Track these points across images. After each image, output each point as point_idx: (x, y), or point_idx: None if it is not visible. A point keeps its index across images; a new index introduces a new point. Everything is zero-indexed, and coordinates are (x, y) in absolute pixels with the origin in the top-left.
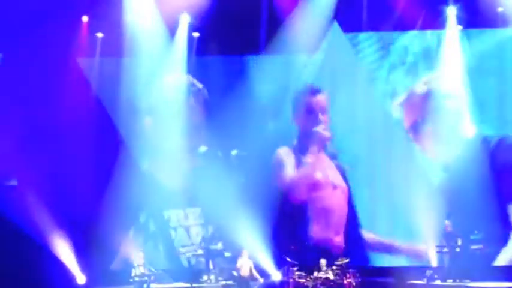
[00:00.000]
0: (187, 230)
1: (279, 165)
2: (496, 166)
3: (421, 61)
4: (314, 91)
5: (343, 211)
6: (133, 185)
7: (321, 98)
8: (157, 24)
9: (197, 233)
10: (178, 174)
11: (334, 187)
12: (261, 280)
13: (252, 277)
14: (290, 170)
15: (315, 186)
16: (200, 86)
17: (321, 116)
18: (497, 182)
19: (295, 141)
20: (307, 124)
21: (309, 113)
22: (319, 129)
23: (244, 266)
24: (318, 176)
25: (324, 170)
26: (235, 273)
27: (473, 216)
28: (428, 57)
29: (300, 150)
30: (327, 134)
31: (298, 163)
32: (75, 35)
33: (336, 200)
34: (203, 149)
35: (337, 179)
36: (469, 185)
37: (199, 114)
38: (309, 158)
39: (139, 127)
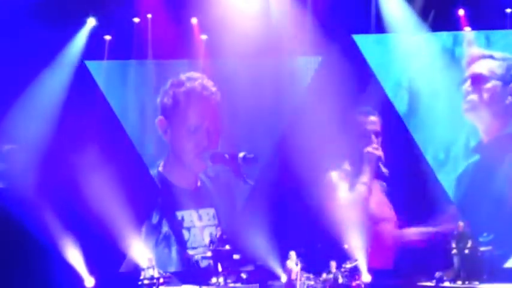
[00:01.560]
0: (201, 230)
1: (331, 188)
2: None
3: None
4: (367, 112)
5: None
6: (143, 186)
7: (373, 119)
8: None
9: (210, 234)
10: (191, 175)
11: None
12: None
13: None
14: (343, 193)
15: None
16: (214, 89)
17: (374, 138)
18: None
19: (346, 165)
20: (359, 145)
21: (362, 135)
22: (370, 148)
23: (294, 269)
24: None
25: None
26: (243, 275)
27: (485, 216)
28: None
29: (354, 174)
30: (378, 153)
31: (352, 187)
32: (83, 37)
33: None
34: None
35: (387, 213)
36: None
37: (212, 117)
38: (364, 178)
39: (151, 126)
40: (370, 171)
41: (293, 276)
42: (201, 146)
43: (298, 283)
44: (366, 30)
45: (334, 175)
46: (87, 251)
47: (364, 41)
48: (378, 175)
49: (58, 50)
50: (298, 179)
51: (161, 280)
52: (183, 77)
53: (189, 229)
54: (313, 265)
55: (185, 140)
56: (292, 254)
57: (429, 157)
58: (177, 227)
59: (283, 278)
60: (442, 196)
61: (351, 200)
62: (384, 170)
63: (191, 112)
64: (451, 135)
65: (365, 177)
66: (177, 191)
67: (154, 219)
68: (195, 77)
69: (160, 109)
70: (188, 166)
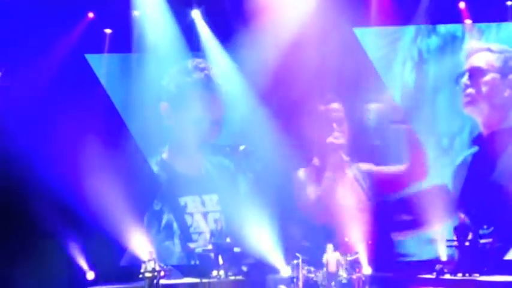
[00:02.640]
0: (204, 216)
1: (299, 188)
2: None
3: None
4: (328, 100)
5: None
6: (144, 177)
7: (335, 107)
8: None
9: (215, 220)
10: (195, 162)
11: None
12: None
13: (337, 273)
14: (311, 191)
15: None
16: (220, 80)
17: (336, 126)
18: None
19: (315, 159)
20: (321, 135)
21: (325, 125)
22: (331, 138)
23: (331, 261)
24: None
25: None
26: (244, 268)
27: (485, 208)
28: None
29: (320, 168)
30: (339, 141)
31: (319, 181)
32: (83, 31)
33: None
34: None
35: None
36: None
37: (219, 108)
38: (328, 172)
39: (154, 114)
40: (334, 162)
41: (331, 269)
42: (204, 136)
43: (339, 274)
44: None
45: (301, 173)
46: (88, 244)
47: (364, 34)
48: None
49: (58, 43)
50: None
51: (162, 273)
52: (189, 65)
53: (192, 214)
54: (314, 258)
55: (189, 129)
56: (330, 246)
57: (430, 148)
58: (179, 213)
59: (284, 272)
60: None
61: (319, 196)
62: (346, 158)
63: (196, 103)
64: (451, 127)
65: (329, 171)
66: (181, 177)
67: (156, 207)
68: (202, 67)
69: (165, 95)
70: (190, 154)
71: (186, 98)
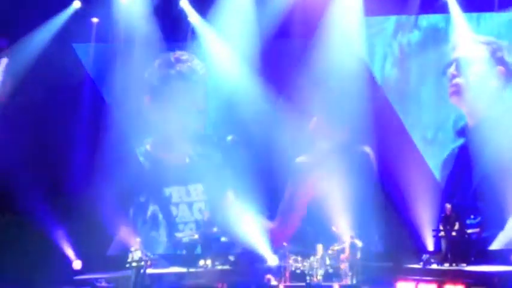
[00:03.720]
0: (189, 206)
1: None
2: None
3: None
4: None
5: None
6: (130, 166)
7: None
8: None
9: (199, 210)
10: (179, 153)
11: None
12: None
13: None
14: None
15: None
16: (202, 71)
17: None
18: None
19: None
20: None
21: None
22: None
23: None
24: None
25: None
26: (231, 258)
27: (472, 199)
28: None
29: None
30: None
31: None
32: (71, 20)
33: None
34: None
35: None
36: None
37: (201, 99)
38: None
39: (138, 106)
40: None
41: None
42: (189, 128)
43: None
44: None
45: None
46: (74, 234)
47: None
48: None
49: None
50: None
51: (149, 262)
52: (171, 57)
53: (177, 205)
54: (301, 248)
55: (173, 121)
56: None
57: (417, 139)
58: (165, 204)
59: (271, 261)
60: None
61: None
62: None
63: (180, 95)
64: (438, 118)
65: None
66: (166, 168)
67: (142, 198)
68: (184, 59)
69: (148, 88)
70: (176, 146)
71: (169, 91)
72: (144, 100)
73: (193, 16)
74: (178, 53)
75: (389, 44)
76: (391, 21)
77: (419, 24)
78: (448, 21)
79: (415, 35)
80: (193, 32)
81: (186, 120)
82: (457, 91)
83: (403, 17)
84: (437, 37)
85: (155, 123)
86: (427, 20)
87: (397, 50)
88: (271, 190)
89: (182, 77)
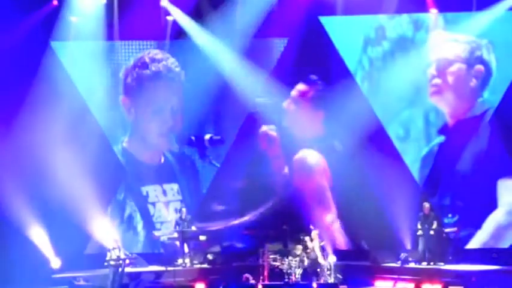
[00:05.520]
0: (166, 205)
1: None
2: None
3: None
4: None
5: None
6: (108, 165)
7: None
8: None
9: (175, 209)
10: (155, 152)
11: None
12: None
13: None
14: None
15: None
16: (177, 69)
17: None
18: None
19: None
20: None
21: None
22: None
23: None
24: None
25: None
26: (210, 256)
27: (450, 198)
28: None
29: None
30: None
31: None
32: (49, 18)
33: None
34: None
35: None
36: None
37: (177, 97)
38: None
39: (114, 106)
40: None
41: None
42: (165, 126)
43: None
44: (332, 12)
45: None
46: (53, 232)
47: (330, 23)
48: None
49: (23, 30)
50: (265, 161)
51: (127, 261)
52: (146, 57)
53: (154, 204)
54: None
55: (149, 120)
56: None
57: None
58: (142, 203)
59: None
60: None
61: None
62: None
63: (156, 94)
64: (412, 115)
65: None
66: (142, 167)
67: (120, 196)
68: (158, 58)
69: (124, 88)
70: (152, 145)
71: (144, 91)
72: (120, 99)
73: (176, 14)
74: (152, 52)
75: (360, 61)
76: (359, 38)
77: (388, 36)
78: (417, 29)
79: (385, 46)
80: (172, 30)
81: (161, 119)
82: (437, 91)
83: (372, 32)
84: (406, 46)
85: (131, 122)
86: (395, 31)
87: (367, 64)
88: (251, 189)
89: (157, 76)
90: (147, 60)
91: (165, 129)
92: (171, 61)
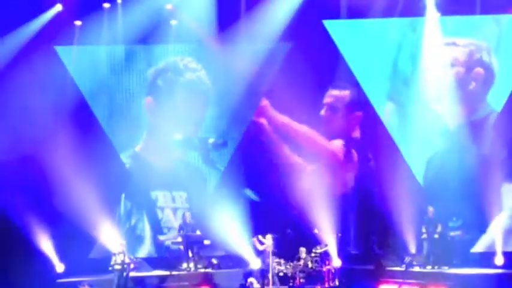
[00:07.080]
0: (174, 211)
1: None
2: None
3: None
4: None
5: None
6: (114, 170)
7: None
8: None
9: (183, 215)
10: (166, 158)
11: None
12: None
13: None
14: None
15: None
16: (209, 82)
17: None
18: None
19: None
20: None
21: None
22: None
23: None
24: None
25: None
26: (214, 260)
27: (454, 201)
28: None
29: None
30: None
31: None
32: (53, 22)
33: None
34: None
35: None
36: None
37: (203, 109)
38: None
39: (137, 107)
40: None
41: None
42: (185, 135)
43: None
44: (336, 16)
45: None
46: (57, 237)
47: (334, 27)
48: None
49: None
50: (269, 164)
51: (132, 265)
52: (180, 63)
53: (162, 209)
54: (283, 250)
55: (172, 126)
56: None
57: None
58: (150, 206)
59: (254, 264)
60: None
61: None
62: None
63: (186, 103)
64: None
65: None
66: (153, 171)
67: (127, 199)
68: (192, 68)
69: (150, 88)
70: (167, 150)
71: (174, 96)
72: (145, 100)
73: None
74: (186, 60)
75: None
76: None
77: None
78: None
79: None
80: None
81: (184, 127)
82: (437, 95)
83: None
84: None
85: (150, 125)
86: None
87: None
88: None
89: (191, 87)
90: (181, 66)
91: (185, 138)
92: (203, 73)
